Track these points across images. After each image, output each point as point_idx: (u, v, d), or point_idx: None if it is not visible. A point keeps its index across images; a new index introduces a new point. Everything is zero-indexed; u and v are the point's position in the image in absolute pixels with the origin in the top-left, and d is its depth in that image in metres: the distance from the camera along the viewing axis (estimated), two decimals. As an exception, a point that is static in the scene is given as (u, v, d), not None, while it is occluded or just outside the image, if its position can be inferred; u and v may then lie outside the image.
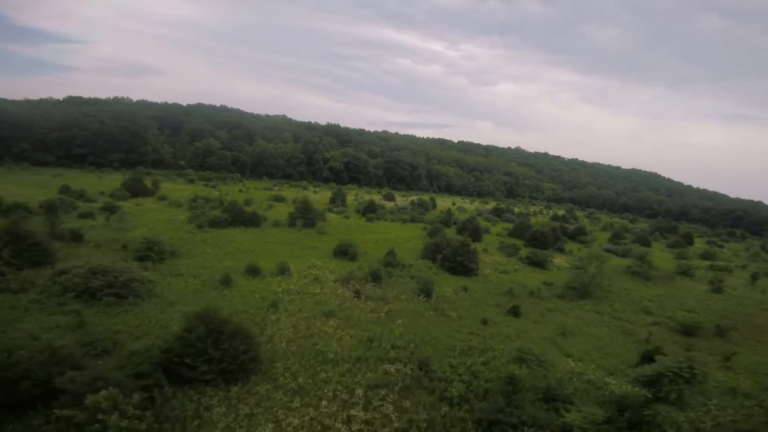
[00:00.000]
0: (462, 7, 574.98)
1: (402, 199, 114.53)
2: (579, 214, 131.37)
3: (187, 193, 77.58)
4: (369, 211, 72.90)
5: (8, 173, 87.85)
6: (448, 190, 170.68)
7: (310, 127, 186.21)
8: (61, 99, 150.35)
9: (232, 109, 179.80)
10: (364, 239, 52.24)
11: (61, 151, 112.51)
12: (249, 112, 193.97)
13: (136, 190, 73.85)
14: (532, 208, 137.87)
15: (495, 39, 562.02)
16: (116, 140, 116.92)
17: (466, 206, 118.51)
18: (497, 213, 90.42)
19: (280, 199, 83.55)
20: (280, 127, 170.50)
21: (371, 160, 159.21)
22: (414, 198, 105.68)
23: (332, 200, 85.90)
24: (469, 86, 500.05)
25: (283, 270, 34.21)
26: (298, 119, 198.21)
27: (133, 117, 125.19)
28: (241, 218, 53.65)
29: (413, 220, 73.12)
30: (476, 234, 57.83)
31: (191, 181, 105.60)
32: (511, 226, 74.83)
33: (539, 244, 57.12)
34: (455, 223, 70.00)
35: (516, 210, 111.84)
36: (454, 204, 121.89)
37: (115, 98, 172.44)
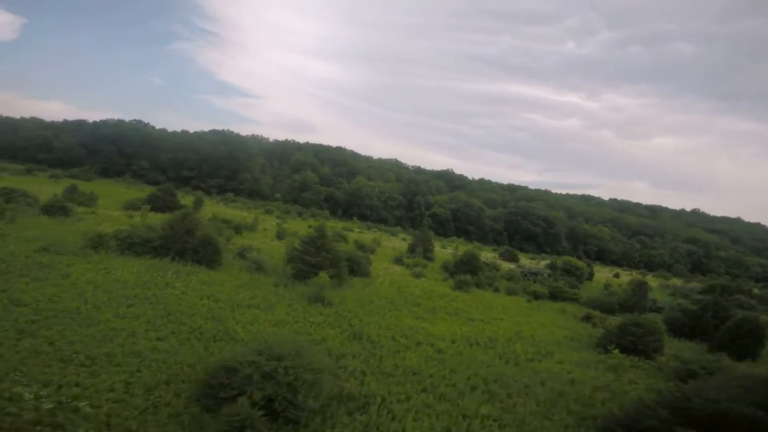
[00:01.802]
0: (596, 55, 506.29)
1: (530, 262, 76.45)
2: None
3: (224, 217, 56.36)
4: (464, 269, 39.15)
5: (94, 183, 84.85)
6: (601, 257, 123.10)
7: (419, 171, 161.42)
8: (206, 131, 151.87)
9: (345, 149, 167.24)
10: (419, 333, 19.15)
11: (172, 173, 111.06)
12: (364, 155, 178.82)
13: (159, 203, 55.57)
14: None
15: (644, 87, 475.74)
16: (219, 165, 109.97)
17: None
18: (725, 294, 46.09)
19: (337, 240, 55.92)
20: (385, 167, 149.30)
21: (488, 210, 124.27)
22: (554, 261, 66.42)
23: (411, 249, 54.58)
24: (617, 141, 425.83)
25: None
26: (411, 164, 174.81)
27: (240, 144, 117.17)
28: (181, 246, 26.17)
29: (555, 295, 36.78)
30: (756, 348, 19.93)
31: (268, 212, 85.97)
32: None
33: None
34: (656, 309, 31.66)
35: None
36: (617, 276, 78.54)
37: (253, 136, 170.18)
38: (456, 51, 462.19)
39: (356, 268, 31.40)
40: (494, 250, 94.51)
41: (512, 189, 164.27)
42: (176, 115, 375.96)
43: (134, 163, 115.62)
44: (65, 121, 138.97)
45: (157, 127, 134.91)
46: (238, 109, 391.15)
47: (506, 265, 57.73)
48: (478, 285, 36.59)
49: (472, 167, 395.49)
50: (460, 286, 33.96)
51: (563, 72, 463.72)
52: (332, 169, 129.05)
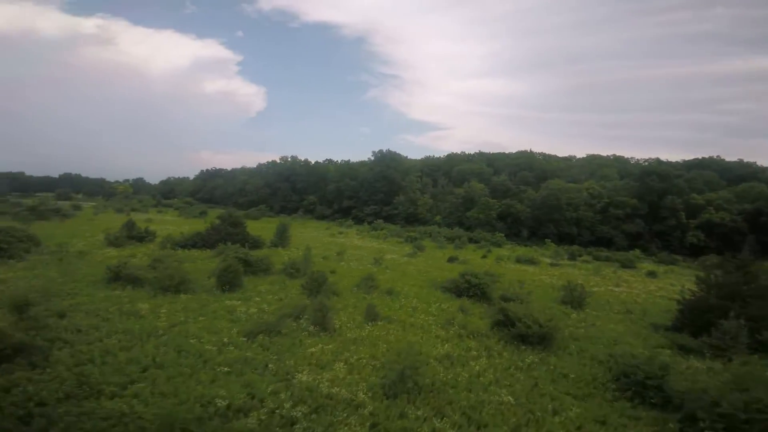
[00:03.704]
0: None
1: None
2: None
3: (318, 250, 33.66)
4: None
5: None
6: None
7: (660, 163, 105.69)
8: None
9: (532, 153, 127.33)
10: None
11: (336, 205, 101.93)
12: (562, 156, 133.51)
13: (212, 238, 37.63)
14: None
15: None
16: (373, 190, 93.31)
17: None
18: None
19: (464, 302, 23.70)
20: (597, 163, 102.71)
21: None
22: None
23: (684, 317, 17.14)
24: None
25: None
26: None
27: (390, 161, 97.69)
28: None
29: None
30: None
31: (409, 240, 58.98)
32: None
33: None
34: None
35: None
36: None
37: (427, 158, 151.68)
38: (655, 35, 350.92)
39: None
40: None
41: None
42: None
43: (305, 198, 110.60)
44: (259, 165, 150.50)
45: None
46: (433, 144, 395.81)
47: None
48: None
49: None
50: None
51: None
52: (513, 176, 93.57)
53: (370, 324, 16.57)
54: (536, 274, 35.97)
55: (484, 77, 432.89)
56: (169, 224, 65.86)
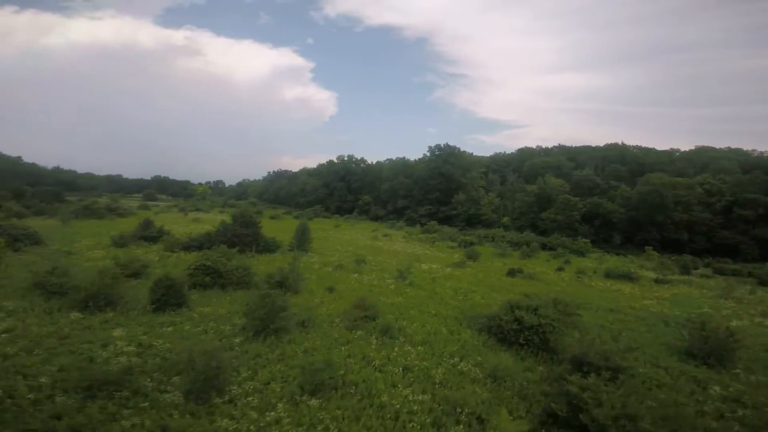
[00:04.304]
0: None
1: None
2: None
3: (334, 258, 27.80)
4: None
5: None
6: None
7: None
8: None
9: (625, 146, 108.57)
10: None
11: (391, 205, 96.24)
12: (662, 150, 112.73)
13: (218, 238, 32.61)
14: None
15: None
16: (429, 188, 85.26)
17: None
18: None
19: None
20: (708, 155, 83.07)
21: None
22: None
23: None
24: None
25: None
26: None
27: (448, 156, 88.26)
28: None
29: None
30: None
31: (465, 245, 49.70)
32: None
33: None
34: None
35: None
36: None
37: (496, 154, 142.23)
38: (754, 24, 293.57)
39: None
40: None
41: None
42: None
43: (360, 198, 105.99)
44: (319, 165, 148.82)
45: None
46: (506, 142, 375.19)
47: None
48: None
49: None
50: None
51: None
52: (600, 171, 78.83)
53: (299, 399, 8.81)
54: (636, 297, 25.22)
55: (561, 72, 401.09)
56: (216, 224, 63.21)
